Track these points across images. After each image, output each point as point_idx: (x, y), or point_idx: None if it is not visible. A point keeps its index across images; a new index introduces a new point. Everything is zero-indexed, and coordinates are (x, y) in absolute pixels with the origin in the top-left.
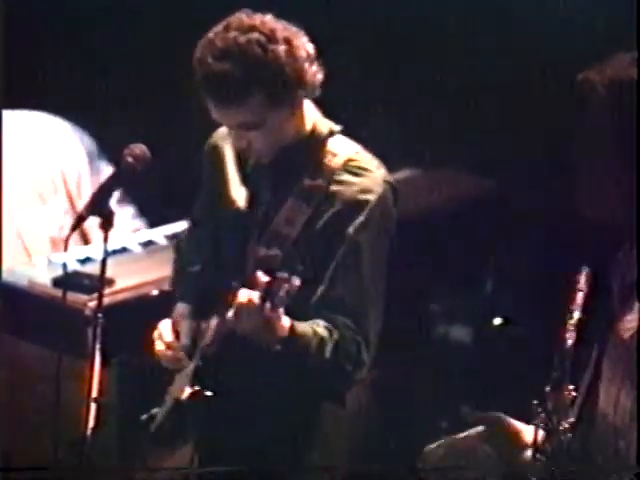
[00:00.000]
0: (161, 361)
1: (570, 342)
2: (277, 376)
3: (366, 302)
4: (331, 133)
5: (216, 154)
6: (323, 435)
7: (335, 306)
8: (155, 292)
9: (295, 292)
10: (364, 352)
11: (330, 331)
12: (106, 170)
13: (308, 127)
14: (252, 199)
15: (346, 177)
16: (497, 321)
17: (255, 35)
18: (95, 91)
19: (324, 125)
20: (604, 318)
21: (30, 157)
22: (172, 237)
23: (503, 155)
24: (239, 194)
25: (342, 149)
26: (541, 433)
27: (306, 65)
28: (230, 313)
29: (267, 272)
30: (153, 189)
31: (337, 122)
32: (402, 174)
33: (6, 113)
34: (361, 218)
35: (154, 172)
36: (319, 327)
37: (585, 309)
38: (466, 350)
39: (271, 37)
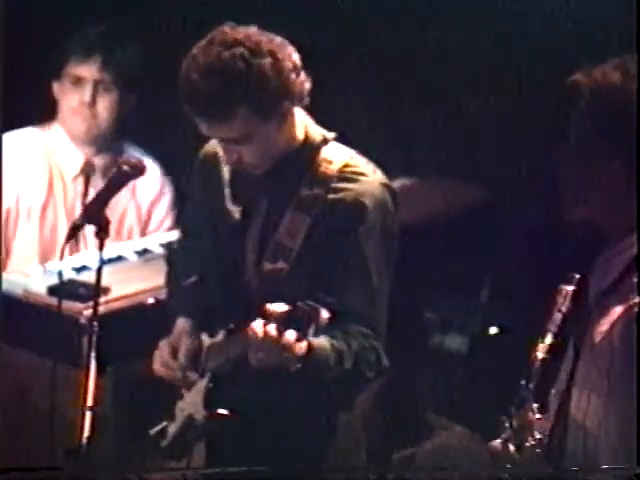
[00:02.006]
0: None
1: (538, 364)
2: (294, 390)
3: (377, 306)
4: (325, 141)
5: (210, 164)
6: (337, 440)
7: (348, 316)
8: (151, 300)
9: (325, 325)
10: (383, 357)
11: (348, 343)
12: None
13: (300, 135)
14: (248, 209)
15: (343, 184)
16: (493, 330)
17: (239, 50)
18: None
19: (317, 133)
20: (580, 322)
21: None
22: (168, 245)
23: (500, 164)
24: (235, 204)
25: (337, 156)
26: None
27: (292, 76)
28: (249, 347)
29: (290, 302)
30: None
31: (332, 130)
32: (397, 183)
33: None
34: (362, 225)
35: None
36: (337, 340)
37: (560, 331)
38: (461, 358)
39: (255, 51)
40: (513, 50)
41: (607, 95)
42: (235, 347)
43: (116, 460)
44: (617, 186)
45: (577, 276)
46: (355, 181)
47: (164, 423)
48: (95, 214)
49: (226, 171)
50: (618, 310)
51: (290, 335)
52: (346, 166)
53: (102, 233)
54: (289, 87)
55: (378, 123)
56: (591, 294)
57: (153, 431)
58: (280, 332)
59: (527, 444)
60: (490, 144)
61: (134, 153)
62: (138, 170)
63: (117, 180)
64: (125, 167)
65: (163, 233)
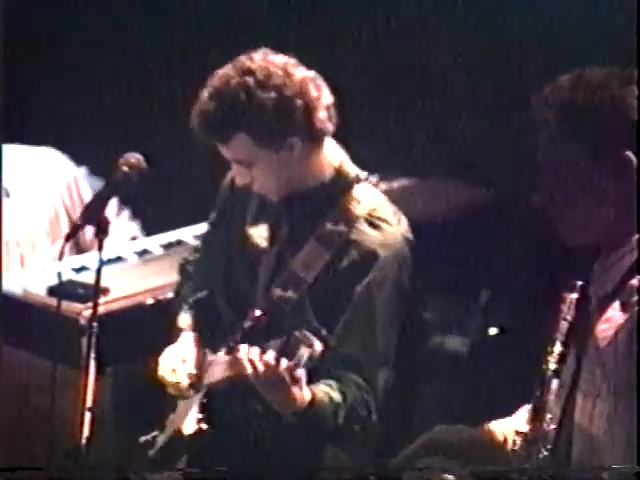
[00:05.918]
0: (166, 387)
1: (550, 374)
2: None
3: (377, 359)
4: (357, 179)
5: (236, 187)
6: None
7: (345, 363)
8: (150, 301)
9: (318, 358)
10: (374, 413)
11: (344, 394)
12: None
13: (330, 169)
14: (268, 235)
15: (366, 227)
16: (492, 331)
17: (247, 79)
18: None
19: (351, 169)
20: (583, 328)
21: (38, 194)
22: (167, 246)
23: (500, 164)
24: (256, 229)
25: (367, 198)
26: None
27: (297, 115)
28: (249, 368)
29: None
30: (148, 198)
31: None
32: (398, 183)
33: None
34: (375, 274)
35: (150, 181)
36: (333, 391)
37: (568, 339)
38: (461, 360)
39: (262, 83)
40: (517, 48)
41: (571, 111)
42: (230, 369)
43: (116, 460)
44: (608, 197)
45: (579, 283)
46: (378, 228)
47: (155, 433)
48: (95, 214)
49: (252, 196)
50: (621, 315)
51: (284, 363)
52: (374, 210)
53: (101, 233)
54: (296, 124)
55: (377, 123)
56: (592, 300)
57: (143, 439)
58: (278, 361)
59: (540, 455)
60: (491, 144)
61: (134, 153)
62: (138, 170)
63: (117, 181)
64: (125, 168)
65: (163, 234)
